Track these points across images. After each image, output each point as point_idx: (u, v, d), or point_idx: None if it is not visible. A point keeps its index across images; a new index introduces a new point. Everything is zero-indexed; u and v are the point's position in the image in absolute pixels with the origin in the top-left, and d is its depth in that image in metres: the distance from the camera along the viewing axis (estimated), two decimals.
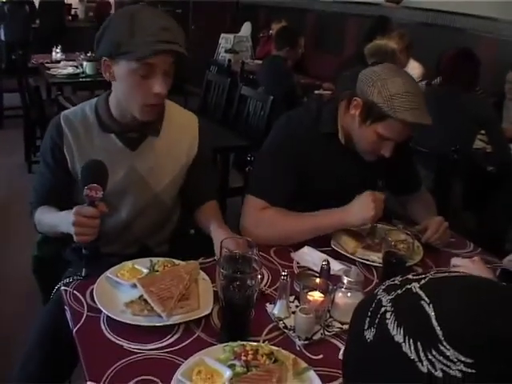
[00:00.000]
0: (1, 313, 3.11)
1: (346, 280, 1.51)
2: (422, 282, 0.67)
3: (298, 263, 1.82)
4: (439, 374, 0.58)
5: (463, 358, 0.57)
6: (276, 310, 1.50)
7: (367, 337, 0.66)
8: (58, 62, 6.09)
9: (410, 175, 2.28)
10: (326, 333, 1.45)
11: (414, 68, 4.82)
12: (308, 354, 1.37)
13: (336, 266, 1.73)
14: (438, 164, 3.06)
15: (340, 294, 1.51)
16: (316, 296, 1.48)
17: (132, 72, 1.64)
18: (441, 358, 0.58)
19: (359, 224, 1.89)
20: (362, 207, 1.82)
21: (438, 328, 0.60)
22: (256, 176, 2.09)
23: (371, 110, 1.83)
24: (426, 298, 0.64)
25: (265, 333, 1.45)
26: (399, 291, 0.67)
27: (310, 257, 1.82)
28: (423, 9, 5.87)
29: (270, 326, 1.48)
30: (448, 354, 0.58)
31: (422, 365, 0.59)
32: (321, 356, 1.38)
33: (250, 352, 1.28)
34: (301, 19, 7.69)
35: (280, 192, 1.97)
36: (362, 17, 6.69)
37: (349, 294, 1.51)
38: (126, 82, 1.68)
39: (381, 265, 1.77)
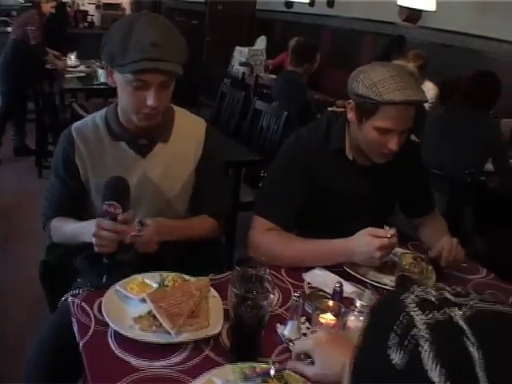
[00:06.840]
0: (13, 317, 3.12)
1: (358, 303, 1.47)
2: (466, 311, 0.60)
3: (309, 283, 1.79)
4: None
5: None
6: (287, 331, 1.47)
7: (394, 360, 0.60)
8: (74, 67, 6.15)
9: (424, 197, 2.21)
10: None
11: (430, 89, 4.80)
12: None
13: (349, 289, 1.70)
14: (450, 187, 3.03)
15: (352, 318, 1.47)
16: (328, 319, 1.44)
17: (126, 83, 1.69)
18: None
19: (366, 264, 1.83)
20: (368, 249, 1.75)
21: (485, 379, 0.54)
22: (263, 195, 2.08)
23: (362, 105, 1.81)
24: (472, 338, 0.57)
25: (275, 354, 1.42)
26: (438, 315, 0.60)
27: (322, 278, 1.79)
28: (440, 29, 5.85)
29: (280, 347, 1.45)
30: None
31: None
32: None
33: None
34: (316, 35, 7.69)
35: (286, 212, 1.94)
36: (377, 35, 6.70)
37: (361, 318, 1.47)
38: (122, 90, 1.73)
39: (393, 288, 1.74)
